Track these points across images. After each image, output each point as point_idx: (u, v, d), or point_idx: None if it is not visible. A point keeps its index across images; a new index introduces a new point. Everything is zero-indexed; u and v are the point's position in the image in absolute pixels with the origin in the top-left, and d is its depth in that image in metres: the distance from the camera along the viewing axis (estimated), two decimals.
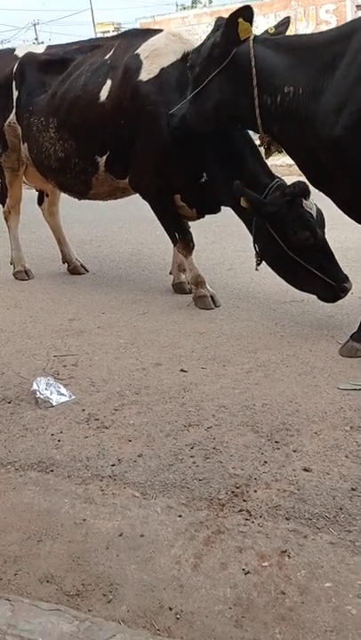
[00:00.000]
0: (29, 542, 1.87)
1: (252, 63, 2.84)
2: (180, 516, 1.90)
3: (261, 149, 3.17)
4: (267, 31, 3.06)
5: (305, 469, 2.05)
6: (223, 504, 1.93)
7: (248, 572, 1.65)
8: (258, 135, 3.12)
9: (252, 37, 2.89)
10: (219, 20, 3.08)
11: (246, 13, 2.84)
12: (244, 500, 1.93)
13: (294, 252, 3.14)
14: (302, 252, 3.14)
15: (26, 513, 2.00)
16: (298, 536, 1.76)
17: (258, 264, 3.38)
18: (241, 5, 2.88)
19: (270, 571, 1.65)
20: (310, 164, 2.91)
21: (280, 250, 3.17)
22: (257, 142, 3.37)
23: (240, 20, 2.83)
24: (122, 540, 1.83)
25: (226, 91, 2.99)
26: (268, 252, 3.29)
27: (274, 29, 3.05)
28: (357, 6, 24.59)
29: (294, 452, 2.17)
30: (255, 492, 1.97)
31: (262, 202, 3.14)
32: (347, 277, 3.19)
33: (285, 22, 3.19)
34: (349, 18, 22.66)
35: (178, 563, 1.72)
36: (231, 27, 2.86)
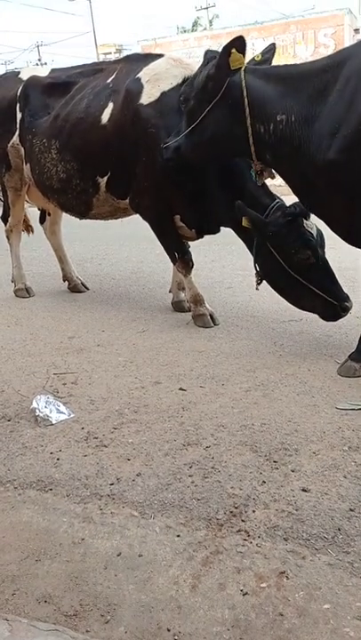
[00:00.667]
0: (27, 562, 1.86)
1: (244, 93, 2.90)
2: (178, 535, 1.90)
3: (253, 174, 3.20)
4: (253, 59, 3.12)
5: (303, 489, 2.06)
6: (222, 524, 1.93)
7: (246, 593, 1.65)
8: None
9: (243, 68, 2.95)
10: (208, 52, 3.16)
11: (239, 44, 2.89)
12: (242, 520, 1.93)
13: (296, 271, 3.17)
14: (303, 271, 3.17)
15: (24, 532, 2.00)
16: (296, 557, 1.76)
17: (258, 284, 3.40)
18: (235, 36, 2.92)
19: (269, 592, 1.65)
20: (305, 188, 2.96)
21: (281, 269, 3.20)
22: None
23: (233, 50, 2.87)
24: (120, 559, 1.83)
25: (220, 122, 3.03)
26: (269, 271, 3.32)
27: (260, 56, 3.12)
28: (355, 30, 25.04)
29: (293, 471, 2.17)
30: (254, 512, 1.97)
31: (264, 221, 3.18)
32: (348, 296, 3.22)
33: (271, 49, 3.26)
34: (347, 41, 23.04)
35: (176, 583, 1.71)
36: (224, 57, 2.91)
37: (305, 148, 2.79)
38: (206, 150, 3.18)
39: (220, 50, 2.99)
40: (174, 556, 1.82)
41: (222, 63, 2.93)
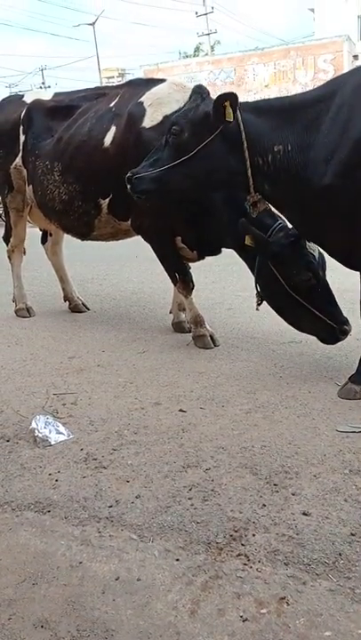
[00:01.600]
0: (24, 585, 1.84)
1: (242, 128, 2.94)
2: (177, 559, 1.88)
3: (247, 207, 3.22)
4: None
5: (304, 513, 2.04)
6: (221, 548, 1.91)
7: (246, 620, 1.63)
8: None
9: (238, 106, 2.99)
10: (197, 87, 3.23)
11: (233, 100, 2.94)
12: (242, 544, 1.91)
13: (296, 292, 3.18)
14: (304, 292, 3.18)
15: (21, 554, 1.97)
16: (297, 582, 1.74)
17: (258, 304, 3.41)
18: (230, 92, 2.98)
19: (269, 618, 1.62)
20: (303, 215, 2.99)
21: (282, 290, 3.21)
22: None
23: (226, 104, 2.92)
24: (118, 584, 1.81)
25: (216, 156, 3.04)
26: (269, 291, 3.32)
27: None
28: (354, 56, 25.51)
29: (293, 495, 2.16)
30: (254, 535, 1.95)
31: (267, 240, 3.20)
32: (347, 320, 3.22)
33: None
34: (346, 67, 23.44)
35: (175, 608, 1.69)
36: (219, 107, 2.95)
37: (302, 175, 2.83)
38: (197, 183, 3.16)
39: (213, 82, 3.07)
40: (173, 580, 1.80)
41: (217, 109, 2.96)
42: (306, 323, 3.30)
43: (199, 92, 3.20)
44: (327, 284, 3.25)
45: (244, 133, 2.94)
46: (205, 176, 3.11)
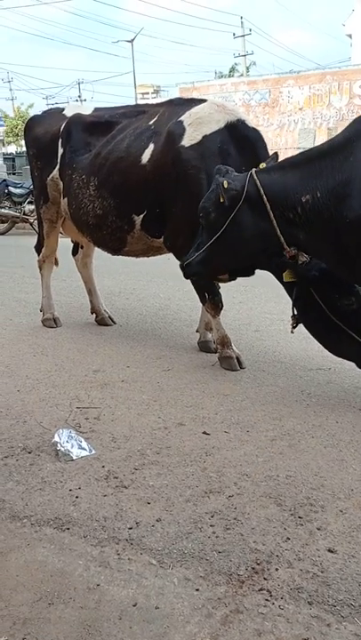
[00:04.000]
0: (40, 604, 1.81)
1: (262, 192, 3.06)
2: (197, 589, 1.83)
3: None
4: (258, 166, 3.29)
5: (329, 550, 1.97)
6: (243, 581, 1.86)
7: None
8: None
9: (251, 172, 3.16)
10: (218, 169, 3.32)
11: (223, 179, 3.15)
12: (264, 579, 1.86)
13: (337, 316, 3.13)
14: (345, 316, 3.13)
15: (38, 572, 1.94)
16: (321, 623, 1.68)
17: (293, 327, 3.34)
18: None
19: None
20: (342, 256, 2.97)
21: (322, 313, 3.16)
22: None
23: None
24: (136, 610, 1.76)
25: (244, 225, 3.17)
26: (309, 315, 3.27)
27: (264, 164, 3.31)
28: None
29: (318, 529, 2.09)
30: (277, 570, 1.89)
31: (306, 269, 3.17)
32: None
33: (274, 157, 3.45)
34: None
35: None
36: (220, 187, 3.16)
37: (337, 214, 2.86)
38: (238, 254, 3.30)
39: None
40: (192, 611, 1.75)
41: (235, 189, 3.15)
42: (344, 347, 3.23)
43: (221, 171, 3.28)
44: None
45: (265, 197, 3.06)
46: (243, 246, 3.24)
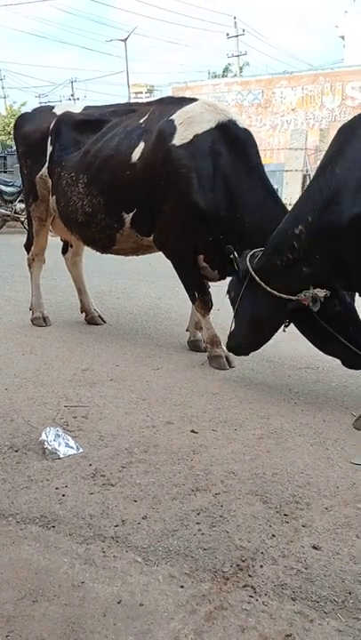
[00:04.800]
0: (24, 602, 1.80)
1: (250, 269, 3.28)
2: (182, 586, 1.83)
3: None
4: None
5: (314, 547, 1.98)
6: (227, 577, 1.86)
7: None
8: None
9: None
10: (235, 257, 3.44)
11: (232, 252, 3.40)
12: (249, 575, 1.86)
13: (323, 318, 3.15)
14: (329, 318, 3.15)
15: (23, 570, 1.94)
16: (304, 619, 1.69)
17: (286, 326, 3.38)
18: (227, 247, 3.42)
19: None
20: (340, 266, 3.00)
21: (309, 314, 3.18)
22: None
23: (231, 257, 3.41)
24: (120, 607, 1.76)
25: (252, 298, 3.32)
26: (296, 315, 3.30)
27: None
28: None
29: (303, 527, 2.10)
30: (261, 567, 1.90)
31: None
32: None
33: None
34: None
35: (176, 638, 1.64)
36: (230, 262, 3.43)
37: (330, 228, 2.89)
38: (257, 323, 3.41)
39: None
40: (176, 608, 1.75)
41: (233, 267, 3.42)
42: (330, 347, 3.27)
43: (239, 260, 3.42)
44: (353, 312, 3.22)
45: (253, 272, 3.26)
46: (258, 315, 3.35)
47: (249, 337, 3.48)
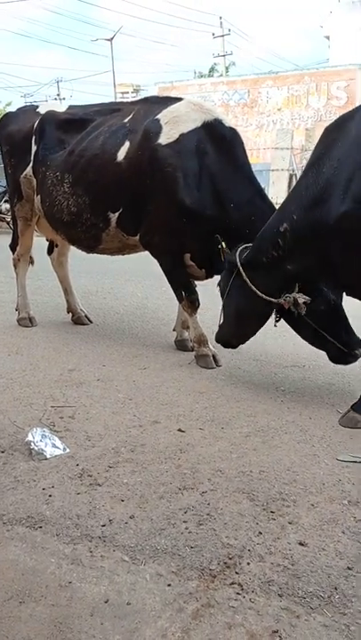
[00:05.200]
0: (11, 603, 1.79)
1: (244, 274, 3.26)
2: (169, 585, 1.83)
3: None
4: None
5: (300, 543, 1.99)
6: (215, 575, 1.87)
7: None
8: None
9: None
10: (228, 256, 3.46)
11: (221, 242, 3.43)
12: (236, 573, 1.87)
13: (307, 315, 3.17)
14: (315, 316, 3.18)
15: (10, 571, 1.93)
16: (290, 615, 1.69)
17: (277, 320, 3.39)
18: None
19: None
20: (327, 266, 3.02)
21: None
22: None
23: (219, 247, 3.44)
24: (107, 607, 1.76)
25: (238, 292, 3.34)
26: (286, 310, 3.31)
27: None
28: None
29: (290, 523, 2.11)
30: (248, 564, 1.91)
31: None
32: (359, 341, 3.22)
33: None
34: (359, 95, 23.69)
35: (164, 636, 1.64)
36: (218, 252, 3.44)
37: (318, 226, 2.90)
38: (243, 317, 3.44)
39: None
40: (164, 606, 1.75)
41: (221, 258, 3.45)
42: (318, 342, 3.31)
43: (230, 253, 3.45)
44: (338, 309, 3.24)
45: (240, 267, 3.27)
46: (244, 309, 3.37)
47: (236, 330, 3.50)
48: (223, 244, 3.41)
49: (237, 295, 3.35)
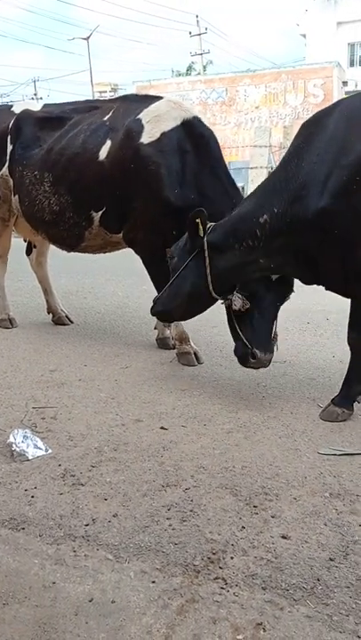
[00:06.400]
0: None
1: (206, 253, 3.14)
2: (153, 582, 1.84)
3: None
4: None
5: (283, 537, 2.01)
6: (198, 571, 1.87)
7: None
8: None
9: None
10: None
11: (202, 216, 3.14)
12: (220, 567, 1.88)
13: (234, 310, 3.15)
14: (239, 313, 3.15)
15: None
16: (274, 608, 1.71)
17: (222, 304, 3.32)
18: (197, 209, 3.17)
19: None
20: (301, 260, 3.01)
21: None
22: None
23: (198, 221, 3.14)
24: (92, 605, 1.76)
25: (195, 270, 3.21)
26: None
27: None
28: (343, 82, 26.00)
29: (273, 517, 2.13)
30: (232, 558, 1.92)
31: None
32: (268, 350, 3.13)
33: None
34: (336, 92, 23.91)
35: (149, 633, 1.65)
36: (192, 224, 3.16)
37: (297, 220, 2.89)
38: (194, 296, 3.29)
39: None
40: (148, 603, 1.75)
41: (191, 228, 3.19)
42: (232, 333, 3.27)
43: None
44: (269, 308, 3.18)
45: (207, 252, 3.13)
46: (197, 288, 3.23)
47: (183, 308, 3.38)
48: (202, 218, 3.18)
49: (195, 274, 3.21)
